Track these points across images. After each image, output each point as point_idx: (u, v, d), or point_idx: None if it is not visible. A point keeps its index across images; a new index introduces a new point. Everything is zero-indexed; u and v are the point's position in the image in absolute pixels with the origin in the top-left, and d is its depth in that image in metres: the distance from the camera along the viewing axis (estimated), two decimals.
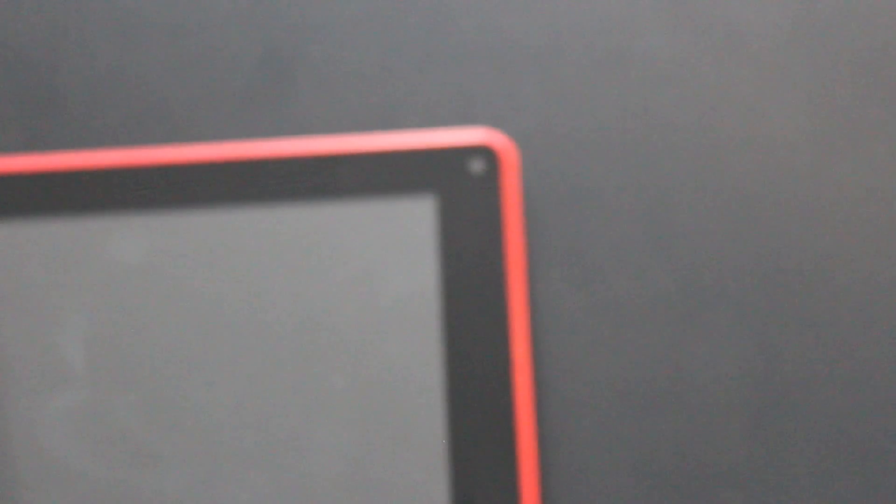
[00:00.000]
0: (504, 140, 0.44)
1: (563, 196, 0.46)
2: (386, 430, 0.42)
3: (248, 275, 0.43)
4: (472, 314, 0.43)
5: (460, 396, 0.42)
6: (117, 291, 0.43)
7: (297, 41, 0.47)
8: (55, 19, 0.47)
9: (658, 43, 0.46)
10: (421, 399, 0.42)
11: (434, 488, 0.42)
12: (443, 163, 0.43)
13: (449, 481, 0.42)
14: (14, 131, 0.46)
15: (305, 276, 0.43)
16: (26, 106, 0.46)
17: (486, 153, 0.43)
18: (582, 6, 0.47)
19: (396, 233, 0.43)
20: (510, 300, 0.42)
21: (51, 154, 0.45)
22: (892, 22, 0.46)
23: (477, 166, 0.43)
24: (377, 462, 0.42)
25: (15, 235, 0.43)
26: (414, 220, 0.43)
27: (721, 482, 0.44)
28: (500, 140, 0.43)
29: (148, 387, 0.43)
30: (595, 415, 0.45)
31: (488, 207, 0.43)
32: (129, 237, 0.43)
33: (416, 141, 0.43)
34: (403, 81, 0.46)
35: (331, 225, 0.43)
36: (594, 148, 0.46)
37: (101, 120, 0.46)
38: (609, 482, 0.44)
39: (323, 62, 0.47)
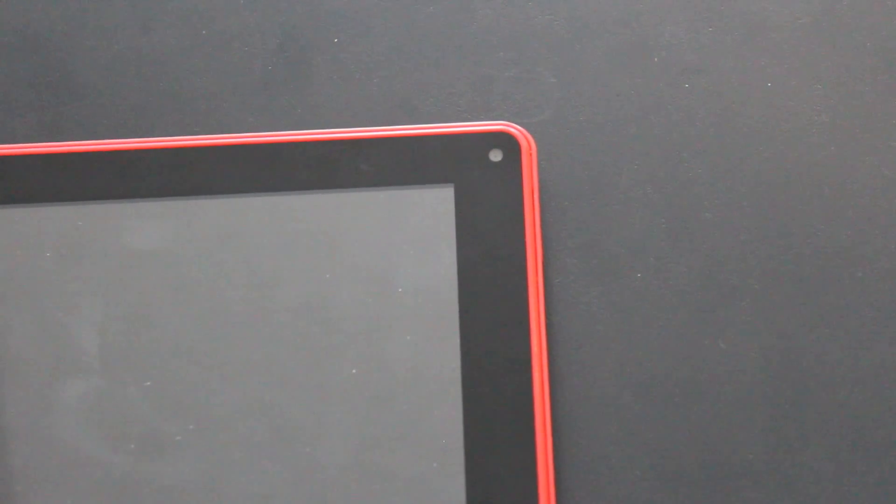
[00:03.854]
0: (522, 131, 0.44)
1: (581, 187, 0.45)
2: (402, 419, 0.42)
3: (264, 262, 0.43)
4: (489, 303, 0.42)
5: (476, 386, 0.42)
6: (131, 278, 0.43)
7: (315, 30, 0.47)
8: (72, 6, 0.47)
9: (679, 34, 0.46)
10: (437, 388, 0.42)
11: (449, 479, 0.42)
12: (462, 152, 0.43)
13: (465, 471, 0.42)
14: (31, 118, 0.46)
15: (322, 263, 0.43)
16: (43, 93, 0.46)
17: (504, 143, 0.43)
18: None
19: (415, 222, 0.43)
20: (528, 290, 0.42)
21: (67, 142, 0.45)
22: None
23: (495, 156, 0.43)
24: (392, 452, 0.42)
25: (29, 220, 0.43)
26: (432, 209, 0.43)
27: (739, 478, 0.44)
28: (518, 131, 0.43)
29: (161, 374, 0.42)
30: (612, 408, 0.44)
31: (507, 198, 0.43)
32: (144, 223, 0.43)
33: (435, 131, 0.43)
34: (421, 71, 0.46)
35: (349, 213, 0.43)
36: (613, 139, 0.46)
37: (118, 107, 0.46)
38: (625, 477, 0.44)
39: (340, 52, 0.46)
